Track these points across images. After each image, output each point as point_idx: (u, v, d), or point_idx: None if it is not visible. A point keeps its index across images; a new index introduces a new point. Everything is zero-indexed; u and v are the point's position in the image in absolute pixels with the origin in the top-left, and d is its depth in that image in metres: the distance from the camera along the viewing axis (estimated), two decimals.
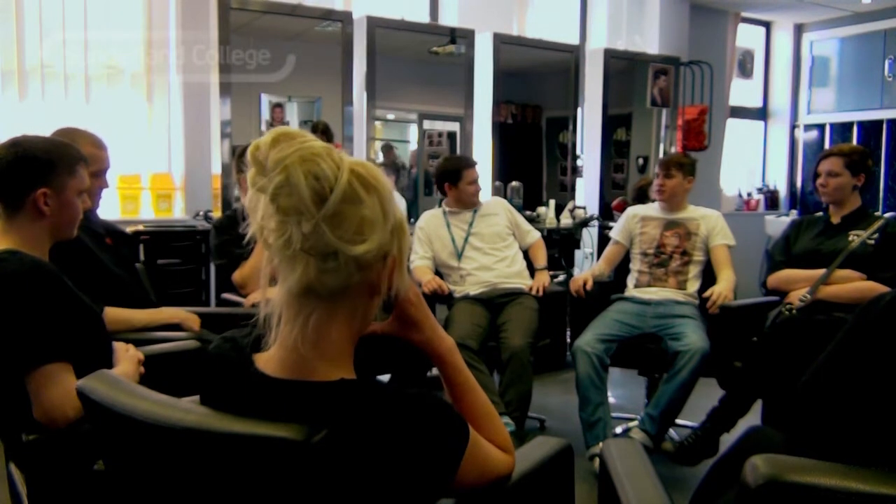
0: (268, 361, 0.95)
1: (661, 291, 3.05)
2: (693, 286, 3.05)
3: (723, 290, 2.89)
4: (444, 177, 3.30)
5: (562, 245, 4.63)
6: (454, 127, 4.89)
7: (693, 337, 2.76)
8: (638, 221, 3.21)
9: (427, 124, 5.03)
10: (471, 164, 3.36)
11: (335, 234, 0.86)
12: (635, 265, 3.18)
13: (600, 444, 2.76)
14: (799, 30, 6.94)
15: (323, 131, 4.08)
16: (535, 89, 5.47)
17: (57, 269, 1.53)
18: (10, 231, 1.56)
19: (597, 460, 2.74)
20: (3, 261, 1.48)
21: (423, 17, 4.95)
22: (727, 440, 2.57)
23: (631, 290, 3.14)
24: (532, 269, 3.33)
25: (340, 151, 0.90)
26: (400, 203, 0.98)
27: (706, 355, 2.71)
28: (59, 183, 1.58)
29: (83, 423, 1.38)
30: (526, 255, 3.37)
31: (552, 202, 4.87)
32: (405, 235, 0.96)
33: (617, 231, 3.29)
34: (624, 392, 3.83)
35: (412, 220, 4.17)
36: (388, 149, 4.99)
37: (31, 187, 1.55)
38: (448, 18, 4.99)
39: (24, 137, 1.61)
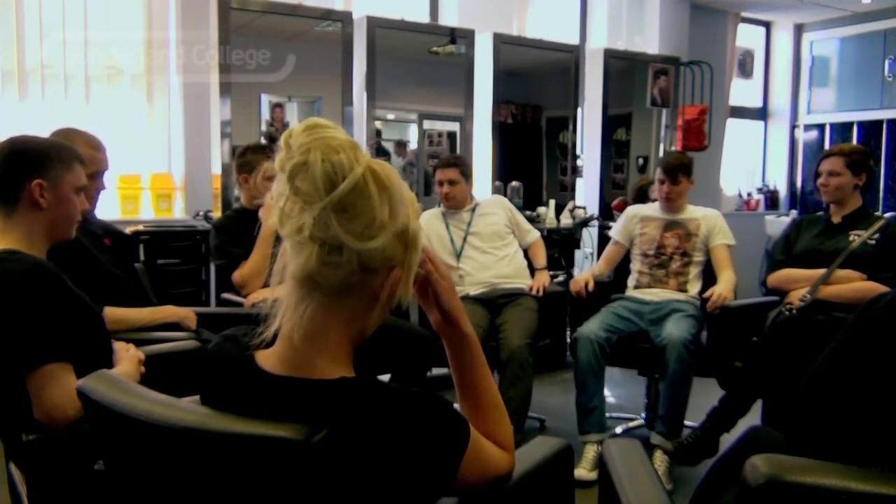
0: (268, 358, 0.95)
1: (662, 293, 3.05)
2: (694, 288, 3.04)
3: (722, 290, 2.88)
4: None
5: (562, 245, 4.62)
6: (454, 127, 4.89)
7: (670, 329, 2.77)
8: (638, 222, 3.20)
9: (427, 124, 5.03)
10: (441, 164, 3.30)
11: (342, 227, 0.87)
12: (635, 265, 3.18)
13: (598, 435, 2.78)
14: (799, 30, 6.94)
15: None
16: (535, 89, 5.47)
17: (57, 268, 1.53)
18: (9, 229, 1.57)
19: (593, 447, 2.76)
20: (4, 261, 1.48)
21: (423, 17, 4.95)
22: (727, 440, 2.57)
23: (631, 291, 3.14)
24: (532, 269, 3.33)
25: (365, 150, 0.92)
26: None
27: (686, 344, 2.70)
28: (54, 176, 1.59)
29: (83, 423, 1.38)
30: (526, 254, 3.37)
31: (552, 202, 4.87)
32: (417, 252, 0.96)
33: (616, 231, 3.29)
34: (624, 392, 3.83)
35: None
36: (401, 146, 5.00)
37: (26, 177, 1.56)
38: (448, 18, 4.99)
39: (23, 136, 1.63)
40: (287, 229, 0.90)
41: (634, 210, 3.29)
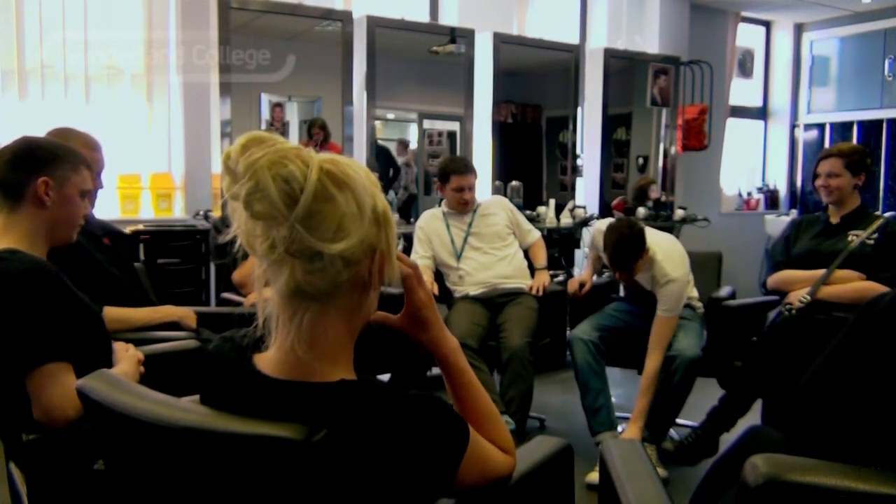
0: (267, 362, 0.95)
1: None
2: (689, 293, 3.00)
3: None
4: (438, 175, 3.30)
5: (562, 244, 4.63)
6: (454, 126, 4.89)
7: (683, 343, 2.75)
8: (602, 257, 2.93)
9: (427, 124, 5.03)
10: (461, 170, 3.23)
11: (314, 235, 0.86)
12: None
13: (610, 434, 2.76)
14: (799, 29, 6.94)
15: (321, 126, 4.10)
16: (535, 89, 5.47)
17: (57, 268, 1.54)
18: (11, 228, 1.57)
19: None
20: (4, 260, 1.48)
21: (423, 16, 4.95)
22: (727, 440, 2.57)
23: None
24: (532, 269, 3.33)
25: (310, 150, 0.89)
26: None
27: (695, 362, 2.70)
28: (61, 175, 1.60)
29: (83, 422, 1.38)
30: (526, 254, 3.37)
31: (552, 202, 4.87)
32: (391, 227, 0.95)
33: (589, 245, 3.23)
34: (624, 392, 3.83)
35: (412, 219, 4.17)
36: (402, 145, 5.01)
37: (33, 174, 1.57)
38: (448, 18, 4.99)
39: (35, 136, 1.68)
40: (259, 250, 0.88)
41: (598, 241, 2.92)
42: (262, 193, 0.84)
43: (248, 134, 0.88)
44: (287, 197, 0.84)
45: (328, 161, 0.88)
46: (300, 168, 0.85)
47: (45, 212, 1.59)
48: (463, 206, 3.26)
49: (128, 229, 3.62)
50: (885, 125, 6.30)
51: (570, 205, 4.87)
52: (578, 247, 4.83)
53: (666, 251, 2.78)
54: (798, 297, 2.72)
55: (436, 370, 1.15)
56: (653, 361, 2.75)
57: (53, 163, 1.60)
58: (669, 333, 2.77)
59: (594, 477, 2.63)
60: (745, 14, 6.52)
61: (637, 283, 2.90)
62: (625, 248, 2.67)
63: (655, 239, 2.80)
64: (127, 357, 1.66)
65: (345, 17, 4.24)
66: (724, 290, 3.13)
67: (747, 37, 6.84)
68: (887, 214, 3.87)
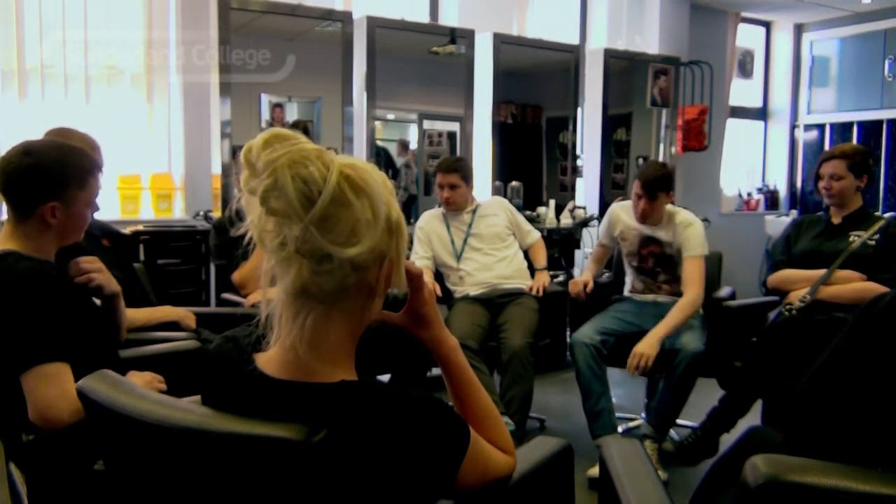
0: (268, 362, 0.95)
1: (659, 297, 3.02)
2: None
3: (644, 349, 2.67)
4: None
5: (562, 245, 4.63)
6: (454, 127, 4.89)
7: (686, 337, 2.75)
8: (619, 230, 3.08)
9: (427, 124, 5.03)
10: (442, 167, 3.24)
11: (326, 238, 0.86)
12: (628, 270, 3.14)
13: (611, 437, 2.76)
14: (799, 30, 6.94)
15: (304, 129, 4.10)
16: (535, 89, 5.47)
17: (59, 271, 1.54)
18: (17, 234, 1.57)
19: None
20: (7, 262, 1.48)
21: (423, 17, 4.95)
22: (727, 440, 2.57)
23: (629, 294, 3.13)
24: (532, 269, 3.33)
25: (332, 153, 0.89)
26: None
27: (698, 356, 2.70)
28: (68, 197, 1.57)
29: (82, 425, 1.38)
30: (526, 255, 3.37)
31: (552, 202, 4.87)
32: (403, 237, 0.95)
33: (601, 234, 3.27)
34: (624, 392, 3.83)
35: (412, 220, 4.17)
36: (402, 145, 5.01)
37: (42, 201, 1.55)
38: (448, 18, 4.99)
39: (38, 145, 1.60)
40: (269, 246, 0.88)
41: (616, 214, 3.12)
42: (280, 192, 0.84)
43: (271, 130, 0.88)
44: (304, 198, 0.85)
45: (348, 166, 0.88)
46: (320, 170, 0.86)
47: (51, 229, 1.58)
48: (445, 205, 3.26)
49: (128, 230, 3.63)
50: (885, 126, 6.30)
51: (570, 205, 4.87)
52: (578, 247, 4.83)
53: (686, 213, 2.96)
54: (798, 296, 2.72)
55: (436, 370, 1.15)
56: (690, 293, 2.81)
57: (62, 186, 1.56)
58: (700, 272, 2.84)
59: (595, 471, 2.64)
60: (745, 14, 6.52)
61: (654, 242, 2.96)
62: (656, 174, 2.85)
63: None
64: (138, 374, 1.64)
65: (345, 18, 4.24)
66: (724, 291, 3.13)
67: (747, 37, 6.84)
68: (888, 215, 3.88)
